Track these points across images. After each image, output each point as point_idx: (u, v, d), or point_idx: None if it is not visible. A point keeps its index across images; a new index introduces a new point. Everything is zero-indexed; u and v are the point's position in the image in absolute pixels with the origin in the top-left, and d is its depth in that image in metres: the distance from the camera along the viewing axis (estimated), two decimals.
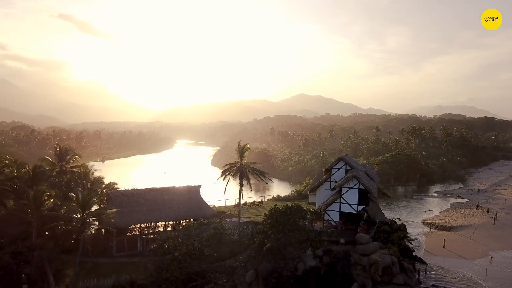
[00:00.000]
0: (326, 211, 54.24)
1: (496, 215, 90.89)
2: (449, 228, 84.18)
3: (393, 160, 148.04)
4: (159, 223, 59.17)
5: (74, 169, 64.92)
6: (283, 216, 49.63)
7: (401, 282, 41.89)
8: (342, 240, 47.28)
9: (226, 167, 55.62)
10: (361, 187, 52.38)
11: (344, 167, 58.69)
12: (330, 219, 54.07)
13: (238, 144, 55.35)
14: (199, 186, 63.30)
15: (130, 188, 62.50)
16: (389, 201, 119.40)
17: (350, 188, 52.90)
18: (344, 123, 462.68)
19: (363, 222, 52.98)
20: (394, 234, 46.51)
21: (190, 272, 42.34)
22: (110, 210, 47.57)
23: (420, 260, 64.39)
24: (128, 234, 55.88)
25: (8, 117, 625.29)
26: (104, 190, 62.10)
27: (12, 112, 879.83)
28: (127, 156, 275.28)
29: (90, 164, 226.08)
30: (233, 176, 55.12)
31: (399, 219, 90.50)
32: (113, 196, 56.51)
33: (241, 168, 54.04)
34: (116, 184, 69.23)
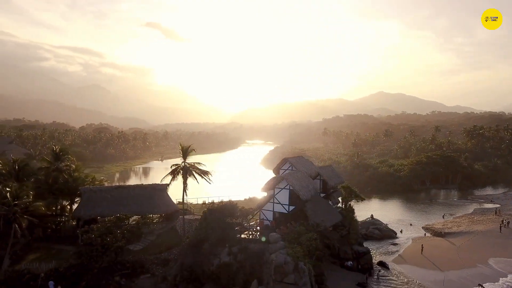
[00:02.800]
0: (262, 211, 56.22)
1: (508, 223, 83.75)
2: (442, 234, 79.83)
3: (428, 162, 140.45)
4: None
5: (66, 168, 73.38)
6: (212, 213, 53.19)
7: (291, 281, 42.84)
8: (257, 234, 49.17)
9: (174, 167, 60.07)
10: (292, 188, 53.59)
11: (290, 168, 59.98)
12: (265, 218, 55.98)
13: (180, 144, 59.51)
14: (166, 185, 68.41)
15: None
16: (409, 205, 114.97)
17: (282, 189, 54.34)
18: (418, 122, 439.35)
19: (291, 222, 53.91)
20: (305, 236, 47.17)
21: (103, 261, 47.54)
22: (38, 203, 54.38)
23: (383, 265, 63.69)
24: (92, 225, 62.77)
25: (99, 119, 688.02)
26: (86, 185, 69.60)
27: (104, 115, 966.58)
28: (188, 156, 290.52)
29: (152, 162, 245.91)
30: (181, 175, 59.39)
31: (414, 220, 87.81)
32: (83, 192, 64.04)
33: (185, 168, 58.17)
34: (107, 181, 77.03)
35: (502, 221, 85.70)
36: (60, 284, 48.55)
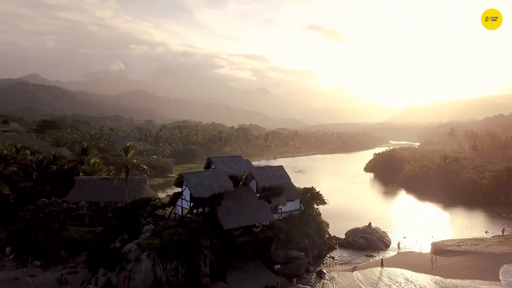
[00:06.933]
0: (177, 206, 60.10)
1: None
2: (440, 252, 68.26)
3: None
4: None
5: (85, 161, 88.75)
6: (129, 204, 60.18)
7: (130, 269, 46.31)
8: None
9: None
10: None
11: (213, 167, 62.21)
12: (177, 213, 59.77)
13: (124, 144, 67.30)
14: (143, 178, 77.28)
15: None
16: (473, 217, 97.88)
17: (186, 187, 57.34)
18: None
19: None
20: (168, 231, 49.55)
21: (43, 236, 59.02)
22: None
23: (320, 274, 60.02)
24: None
25: (260, 121, 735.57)
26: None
27: (265, 117, 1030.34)
28: (304, 155, 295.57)
29: (264, 160, 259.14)
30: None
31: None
32: (76, 180, 77.79)
33: (123, 164, 65.99)
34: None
35: None
36: (14, 251, 62.39)
